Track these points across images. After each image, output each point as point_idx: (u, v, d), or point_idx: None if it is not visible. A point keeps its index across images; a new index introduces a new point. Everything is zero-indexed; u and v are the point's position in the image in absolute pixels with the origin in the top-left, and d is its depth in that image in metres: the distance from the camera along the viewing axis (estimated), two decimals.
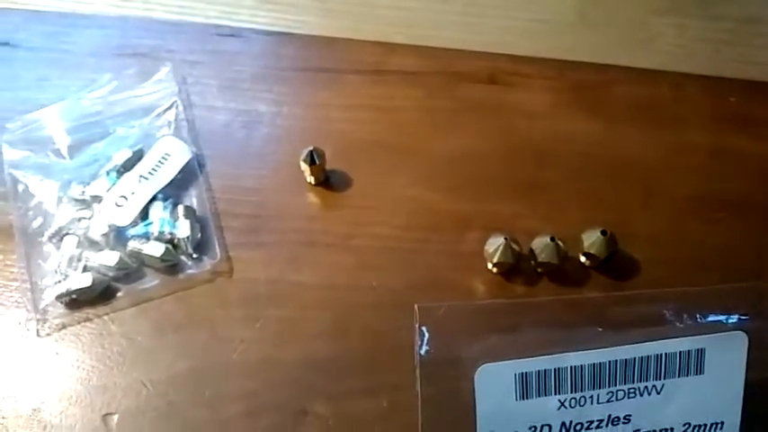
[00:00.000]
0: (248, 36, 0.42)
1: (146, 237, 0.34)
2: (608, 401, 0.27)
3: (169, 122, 0.38)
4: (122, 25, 0.42)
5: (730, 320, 0.28)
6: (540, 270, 0.33)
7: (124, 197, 0.35)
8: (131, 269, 0.33)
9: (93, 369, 0.31)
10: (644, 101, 0.39)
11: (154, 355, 0.31)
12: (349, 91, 0.39)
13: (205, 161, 0.37)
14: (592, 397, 0.27)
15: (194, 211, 0.35)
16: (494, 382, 0.26)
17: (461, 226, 0.35)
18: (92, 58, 0.41)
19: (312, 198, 0.36)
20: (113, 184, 0.35)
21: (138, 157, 0.36)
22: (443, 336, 0.27)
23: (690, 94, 0.39)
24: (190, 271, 0.33)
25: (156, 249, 0.33)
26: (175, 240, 0.34)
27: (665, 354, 0.27)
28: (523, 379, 0.27)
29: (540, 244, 0.32)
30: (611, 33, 0.42)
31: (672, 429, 0.27)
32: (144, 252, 0.33)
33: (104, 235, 0.33)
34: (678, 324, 0.28)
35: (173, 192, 0.35)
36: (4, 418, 0.30)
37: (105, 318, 0.32)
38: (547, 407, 0.27)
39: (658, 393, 0.27)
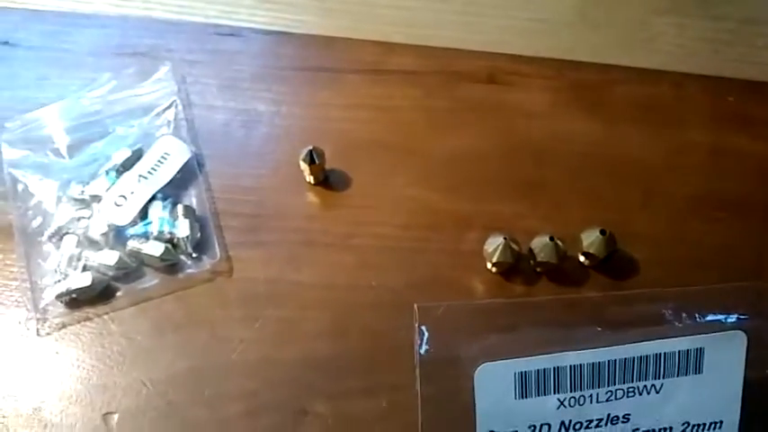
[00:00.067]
0: (247, 35, 0.42)
1: (145, 236, 0.34)
2: (607, 401, 0.27)
3: (168, 122, 0.38)
4: (122, 24, 0.42)
5: (729, 320, 0.28)
6: (539, 270, 0.33)
7: (123, 197, 0.35)
8: (131, 268, 0.33)
9: (93, 368, 0.31)
10: (644, 100, 0.39)
11: (153, 355, 0.31)
12: (348, 90, 0.39)
13: (204, 160, 0.37)
14: (591, 396, 0.27)
15: (194, 210, 0.35)
16: (493, 382, 0.27)
17: (461, 225, 0.35)
18: (91, 58, 0.41)
19: (311, 197, 0.36)
20: (113, 184, 0.35)
21: (137, 156, 0.36)
22: (443, 335, 0.27)
23: (690, 93, 0.39)
24: (189, 270, 0.33)
25: (155, 249, 0.33)
26: (175, 240, 0.34)
27: (664, 353, 0.27)
28: (523, 378, 0.27)
29: (540, 243, 0.32)
30: (610, 33, 0.42)
31: (671, 428, 0.28)
32: (143, 251, 0.33)
33: (104, 234, 0.33)
34: (677, 323, 0.28)
35: (172, 191, 0.35)
36: (4, 417, 0.30)
37: (105, 317, 0.32)
38: (546, 406, 0.27)
39: (657, 393, 0.27)
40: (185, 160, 0.36)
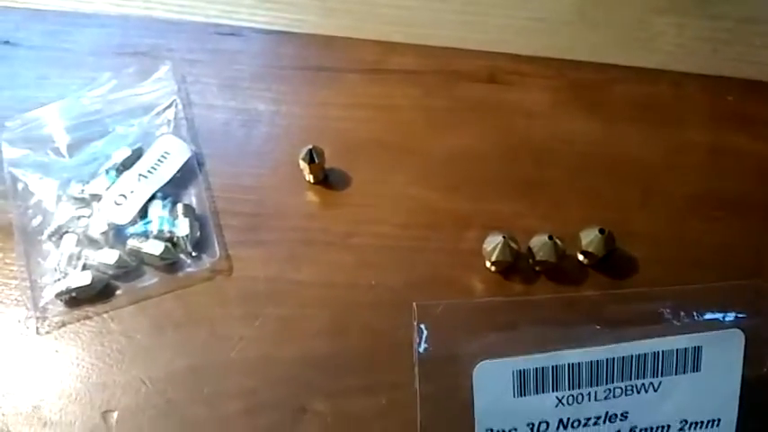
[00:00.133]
0: (248, 35, 0.42)
1: (145, 235, 0.34)
2: (605, 399, 0.27)
3: (168, 121, 0.38)
4: (122, 24, 0.42)
5: (727, 318, 0.28)
6: (538, 268, 0.33)
7: (123, 196, 0.35)
8: (131, 267, 0.33)
9: (92, 367, 0.31)
10: (643, 100, 0.39)
11: (153, 353, 0.31)
12: (348, 90, 0.40)
13: (204, 160, 0.37)
14: (589, 394, 0.27)
15: (193, 209, 0.35)
16: (492, 380, 0.27)
17: (460, 224, 0.35)
18: (91, 57, 0.41)
19: (311, 197, 0.36)
20: (113, 183, 0.35)
21: (137, 155, 0.36)
22: (442, 333, 0.27)
23: (689, 93, 0.40)
24: (189, 269, 0.33)
25: (155, 248, 0.33)
26: (175, 239, 0.34)
27: (662, 351, 0.27)
28: (521, 376, 0.27)
29: (538, 242, 0.32)
30: (610, 32, 0.42)
31: (669, 426, 0.28)
32: (143, 250, 0.33)
33: (104, 233, 0.34)
34: (675, 322, 0.28)
35: (172, 190, 0.36)
36: (4, 415, 0.30)
37: (105, 316, 0.32)
38: (545, 404, 0.27)
39: (655, 391, 0.27)
40: (185, 159, 0.36)
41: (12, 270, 0.33)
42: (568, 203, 0.35)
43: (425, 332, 0.27)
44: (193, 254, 0.34)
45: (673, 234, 0.35)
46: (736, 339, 0.27)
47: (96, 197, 0.35)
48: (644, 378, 0.27)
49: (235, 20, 0.42)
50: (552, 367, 0.27)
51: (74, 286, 0.32)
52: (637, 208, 0.35)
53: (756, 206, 0.36)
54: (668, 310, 0.28)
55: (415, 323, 0.27)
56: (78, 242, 0.34)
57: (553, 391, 0.27)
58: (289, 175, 0.36)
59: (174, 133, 0.37)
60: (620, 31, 0.42)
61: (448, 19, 0.42)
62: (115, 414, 0.30)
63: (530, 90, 0.40)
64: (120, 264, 0.33)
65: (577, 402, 0.27)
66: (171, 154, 0.36)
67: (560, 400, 0.27)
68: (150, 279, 0.33)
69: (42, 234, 0.34)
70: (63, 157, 0.36)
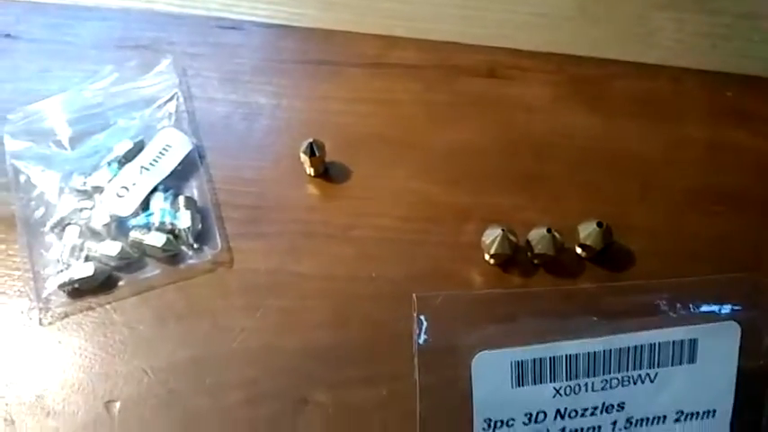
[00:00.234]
0: (249, 29, 0.42)
1: (147, 227, 0.34)
2: (602, 389, 0.27)
3: (170, 114, 0.38)
4: (124, 17, 0.42)
5: (723, 311, 0.28)
6: (536, 261, 0.33)
7: (125, 188, 0.35)
8: (133, 259, 0.33)
9: (95, 357, 0.31)
10: (642, 95, 0.40)
11: (155, 344, 0.32)
12: (349, 84, 0.40)
13: (205, 152, 0.37)
14: (586, 385, 0.27)
15: (195, 201, 0.35)
16: (490, 370, 0.27)
17: (460, 218, 0.35)
18: (93, 50, 0.41)
19: (312, 189, 0.36)
20: (114, 175, 0.35)
21: (138, 148, 0.36)
22: (441, 325, 0.28)
23: (688, 88, 0.40)
24: (191, 261, 0.34)
25: (157, 240, 0.33)
26: (176, 231, 0.34)
27: (659, 343, 0.27)
28: (519, 367, 0.27)
29: (537, 235, 0.32)
30: (610, 28, 0.42)
31: (665, 417, 0.28)
32: (145, 242, 0.33)
33: (106, 225, 0.34)
34: (672, 314, 0.28)
35: (173, 183, 0.36)
36: (7, 404, 0.30)
37: (107, 307, 0.33)
38: (542, 394, 0.27)
39: (652, 382, 0.28)
40: (186, 152, 0.36)
41: (15, 261, 0.34)
42: (567, 197, 0.36)
43: (425, 323, 0.28)
44: (195, 246, 0.34)
45: (671, 228, 0.35)
46: (732, 331, 0.28)
47: (98, 189, 0.35)
48: (640, 369, 0.27)
49: (236, 13, 0.42)
50: (550, 358, 0.27)
51: (76, 277, 0.32)
52: (635, 202, 0.36)
53: (754, 201, 0.36)
54: (665, 303, 0.28)
55: (415, 314, 0.28)
56: (81, 234, 0.34)
57: (551, 381, 0.27)
58: (289, 168, 0.36)
59: (176, 126, 0.37)
60: (621, 26, 0.42)
61: (449, 13, 0.42)
62: (118, 404, 0.30)
63: (530, 85, 0.40)
64: (122, 255, 0.33)
65: (575, 393, 0.27)
66: (172, 147, 0.36)
67: (558, 391, 0.27)
68: (152, 271, 0.33)
69: (45, 226, 0.34)
70: (65, 149, 0.36)
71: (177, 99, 0.38)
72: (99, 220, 0.34)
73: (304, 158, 0.35)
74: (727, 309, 0.28)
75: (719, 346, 0.28)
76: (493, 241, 0.32)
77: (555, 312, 0.28)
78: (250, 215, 0.35)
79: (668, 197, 0.36)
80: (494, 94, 0.39)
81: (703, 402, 0.28)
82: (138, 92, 0.38)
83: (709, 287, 0.29)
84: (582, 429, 0.28)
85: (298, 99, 0.39)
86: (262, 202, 0.36)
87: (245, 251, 0.34)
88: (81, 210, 0.34)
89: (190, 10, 0.43)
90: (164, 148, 0.36)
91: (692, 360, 0.28)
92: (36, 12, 0.42)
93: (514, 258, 0.33)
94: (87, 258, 0.33)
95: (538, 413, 0.27)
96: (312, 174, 0.36)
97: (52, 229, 0.34)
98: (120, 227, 0.34)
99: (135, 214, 0.34)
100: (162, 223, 0.34)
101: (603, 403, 0.28)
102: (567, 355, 0.27)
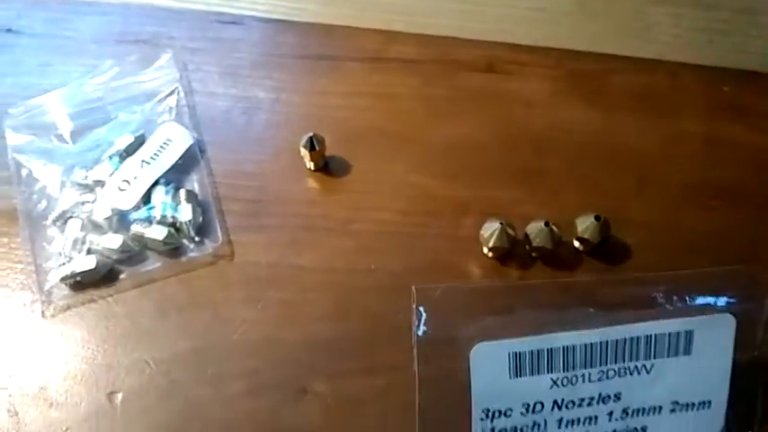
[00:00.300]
0: (248, 23, 0.42)
1: (148, 220, 0.34)
2: (599, 380, 0.28)
3: (170, 108, 0.38)
4: (124, 12, 0.42)
5: (719, 303, 0.28)
6: (534, 254, 0.34)
7: (127, 181, 0.35)
8: (134, 252, 0.34)
9: (97, 348, 0.32)
10: (640, 90, 0.40)
11: (157, 336, 0.32)
12: (348, 78, 0.40)
13: (206, 146, 0.37)
14: (583, 376, 0.28)
15: (196, 195, 0.35)
16: (488, 361, 0.27)
17: (459, 211, 0.35)
18: (94, 45, 0.41)
19: (312, 183, 0.37)
20: (116, 169, 0.35)
21: (139, 142, 0.37)
22: (440, 316, 0.28)
23: (685, 83, 0.40)
24: (192, 254, 0.34)
25: (158, 233, 0.33)
26: (177, 224, 0.34)
27: (655, 335, 0.28)
28: (517, 358, 0.27)
29: (535, 229, 0.32)
30: (608, 23, 0.42)
31: (660, 408, 0.28)
32: (147, 235, 0.33)
33: (107, 218, 0.34)
34: (668, 306, 0.28)
35: (174, 176, 0.36)
36: (11, 396, 0.31)
37: (109, 299, 0.33)
38: (540, 385, 0.28)
39: (648, 373, 0.28)
40: (187, 146, 0.37)
41: (17, 254, 0.34)
42: (565, 191, 0.36)
43: (424, 315, 0.28)
44: (196, 239, 0.34)
45: (667, 222, 0.35)
46: (727, 323, 0.28)
47: (100, 183, 0.35)
48: (636, 360, 0.28)
49: (235, 8, 0.43)
50: (547, 349, 0.27)
51: (78, 270, 0.33)
52: (632, 196, 0.36)
53: (751, 195, 0.36)
54: (661, 295, 0.29)
55: (414, 306, 0.28)
56: (83, 227, 0.34)
57: (548, 372, 0.28)
58: (289, 162, 0.37)
59: (177, 120, 0.38)
60: (619, 21, 0.42)
61: (448, 8, 0.43)
62: (120, 395, 0.31)
63: (529, 79, 0.40)
64: (123, 248, 0.33)
65: (572, 384, 0.28)
66: (173, 141, 0.37)
67: (555, 382, 0.28)
68: (153, 263, 0.34)
69: (47, 219, 0.34)
70: (66, 143, 0.37)
71: (178, 93, 0.39)
72: (101, 214, 0.34)
73: (304, 153, 0.35)
74: (722, 301, 0.28)
75: (715, 337, 0.28)
76: (491, 234, 0.32)
77: (552, 304, 0.28)
78: (250, 209, 0.35)
79: (665, 191, 0.36)
80: (492, 88, 0.40)
81: (699, 393, 0.28)
82: (138, 86, 0.39)
83: (705, 280, 0.29)
84: (579, 420, 0.28)
85: (297, 93, 0.39)
86: (262, 196, 0.36)
87: (245, 244, 0.34)
88: (83, 203, 0.35)
89: (189, 5, 0.43)
90: (165, 142, 0.37)
91: (687, 351, 0.28)
92: (37, 7, 0.43)
93: (513, 251, 0.33)
94: (89, 251, 0.33)
95: (535, 403, 0.28)
96: (312, 168, 0.36)
97: (54, 222, 0.34)
98: (121, 220, 0.34)
99: (136, 208, 0.35)
100: (163, 216, 0.34)
101: (600, 394, 0.28)
102: (564, 347, 0.27)
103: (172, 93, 0.39)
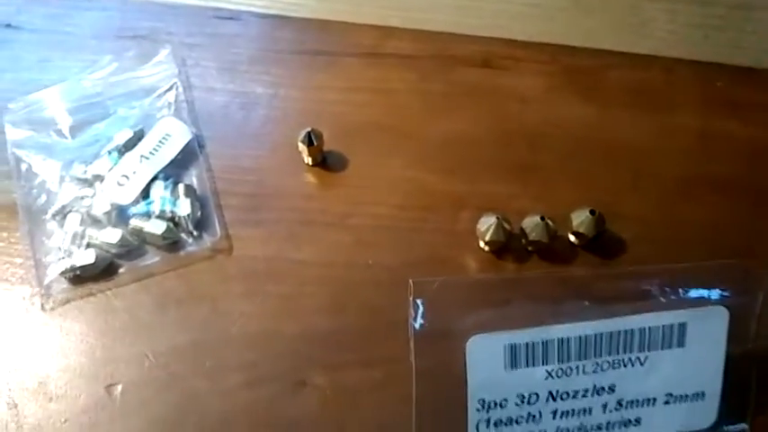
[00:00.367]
0: (246, 19, 0.42)
1: (147, 215, 0.34)
2: (593, 372, 0.28)
3: (169, 103, 0.38)
4: (123, 8, 0.43)
5: (712, 296, 0.29)
6: (530, 248, 0.34)
7: (125, 176, 0.35)
8: (133, 246, 0.34)
9: (96, 342, 0.32)
10: (635, 85, 0.40)
11: (156, 329, 0.32)
12: (345, 73, 0.40)
13: (204, 141, 0.37)
14: (578, 367, 0.28)
15: (194, 189, 0.36)
16: (484, 353, 0.27)
17: (455, 206, 0.35)
18: (93, 40, 0.41)
19: (309, 178, 0.37)
20: (115, 164, 0.36)
21: (138, 137, 0.37)
22: (437, 309, 0.28)
23: (680, 78, 0.40)
24: (190, 248, 0.34)
25: (157, 227, 0.34)
26: (176, 218, 0.34)
27: (649, 327, 0.28)
28: (513, 350, 0.28)
29: (531, 223, 0.33)
30: (604, 18, 0.42)
31: (654, 399, 0.29)
32: (145, 230, 0.34)
33: (107, 213, 0.34)
34: (662, 299, 0.29)
35: (173, 171, 0.36)
36: (10, 389, 0.31)
37: (108, 293, 0.33)
38: (535, 377, 0.28)
39: (642, 365, 0.28)
40: (186, 141, 0.37)
41: (17, 249, 0.34)
42: (561, 186, 0.36)
43: (421, 308, 0.28)
44: (194, 233, 0.34)
45: (662, 216, 0.35)
46: (721, 316, 0.28)
47: (99, 178, 0.35)
48: (631, 353, 0.28)
49: (233, 4, 0.43)
50: (543, 342, 0.28)
51: (78, 264, 0.33)
52: (627, 190, 0.36)
53: (745, 189, 0.36)
54: (655, 288, 0.29)
55: (411, 299, 0.28)
56: (82, 221, 0.34)
57: (543, 364, 0.28)
58: (287, 156, 0.37)
59: (175, 115, 0.38)
60: (614, 16, 0.42)
61: (444, 4, 0.43)
62: (119, 387, 0.31)
63: (524, 75, 0.40)
64: (122, 243, 0.34)
65: (566, 375, 0.28)
66: (172, 136, 0.37)
67: (550, 373, 0.28)
68: (152, 258, 0.34)
69: (46, 213, 0.35)
70: (66, 138, 0.37)
71: (176, 88, 0.39)
72: (100, 208, 0.34)
73: (302, 147, 0.36)
74: (716, 294, 0.29)
75: (708, 330, 0.28)
76: (488, 229, 0.33)
77: (548, 297, 0.29)
78: (249, 203, 0.36)
79: (660, 185, 0.36)
80: (488, 84, 0.40)
81: (692, 385, 0.29)
82: (137, 81, 0.39)
83: (699, 273, 0.29)
84: (573, 411, 0.28)
85: (294, 89, 0.40)
86: (260, 191, 0.36)
87: (243, 238, 0.34)
88: (82, 198, 0.35)
89: (187, 0, 0.43)
90: (163, 137, 0.37)
91: (681, 344, 0.28)
92: (36, 2, 0.43)
93: (509, 245, 0.34)
94: (88, 246, 0.34)
95: (530, 395, 0.28)
96: (310, 163, 0.37)
97: (54, 216, 0.35)
98: (120, 215, 0.35)
99: (135, 202, 0.35)
100: (162, 211, 0.34)
101: (594, 386, 0.28)
102: (559, 339, 0.28)
103: (170, 88, 0.39)
